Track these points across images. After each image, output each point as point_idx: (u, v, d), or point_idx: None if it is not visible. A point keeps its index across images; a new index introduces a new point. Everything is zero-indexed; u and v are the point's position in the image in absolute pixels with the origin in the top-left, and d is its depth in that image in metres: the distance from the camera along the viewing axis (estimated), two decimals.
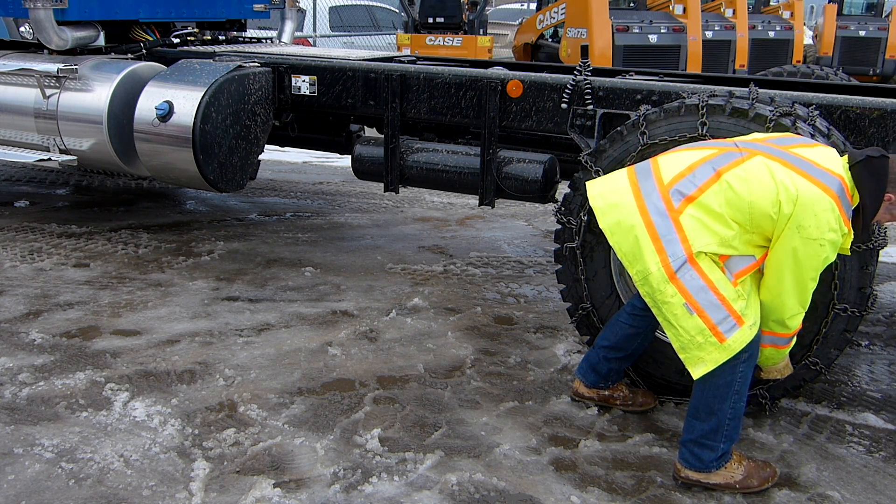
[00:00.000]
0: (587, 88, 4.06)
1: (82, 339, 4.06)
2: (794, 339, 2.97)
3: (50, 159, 5.23)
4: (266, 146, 5.26)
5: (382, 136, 4.82)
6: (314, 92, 4.93)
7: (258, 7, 6.44)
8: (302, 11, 12.65)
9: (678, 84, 4.08)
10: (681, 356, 2.83)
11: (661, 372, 3.52)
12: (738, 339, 2.75)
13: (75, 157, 5.22)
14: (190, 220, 6.17)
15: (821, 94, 3.72)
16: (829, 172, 2.73)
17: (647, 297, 2.85)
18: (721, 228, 2.75)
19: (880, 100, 3.59)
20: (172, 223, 6.09)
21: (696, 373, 2.80)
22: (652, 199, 2.82)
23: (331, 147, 5.79)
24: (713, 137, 3.27)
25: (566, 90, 4.11)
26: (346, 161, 5.85)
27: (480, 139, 4.50)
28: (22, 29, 5.44)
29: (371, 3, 15.53)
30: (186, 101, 4.69)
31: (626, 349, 3.35)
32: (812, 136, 3.19)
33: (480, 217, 6.54)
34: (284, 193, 7.17)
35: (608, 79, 4.16)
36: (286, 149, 6.41)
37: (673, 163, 2.90)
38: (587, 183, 3.08)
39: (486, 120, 4.43)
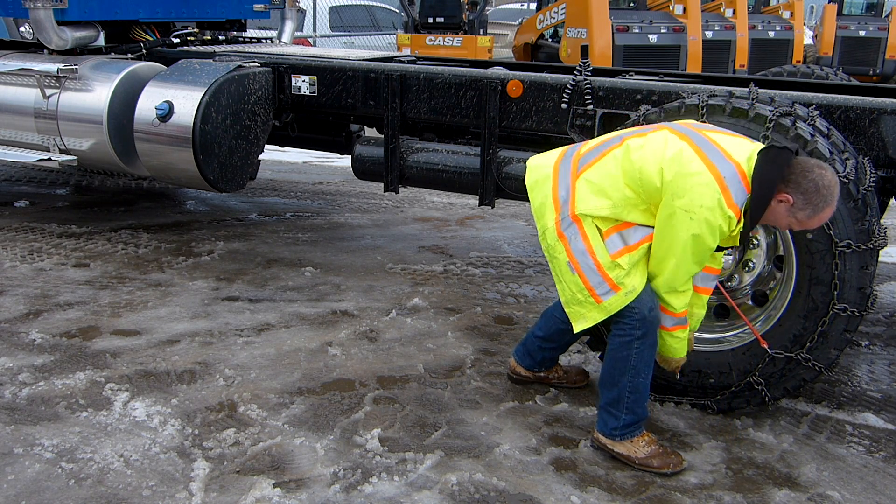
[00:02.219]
0: (587, 88, 4.06)
1: (82, 339, 4.06)
2: (681, 326, 3.03)
3: (50, 159, 5.23)
4: (266, 146, 5.26)
5: (382, 136, 4.82)
6: (314, 92, 4.93)
7: (258, 7, 6.44)
8: (302, 11, 12.65)
9: (678, 84, 4.08)
10: (566, 310, 3.06)
11: (660, 372, 3.52)
12: (614, 303, 2.93)
13: (75, 157, 5.22)
14: (190, 220, 6.17)
15: (821, 94, 3.72)
16: (726, 156, 2.76)
17: (545, 252, 3.06)
18: (614, 192, 2.89)
19: (880, 100, 3.59)
20: (172, 223, 6.09)
21: (577, 327, 3.04)
22: (565, 164, 3.04)
23: (331, 147, 5.79)
24: None
25: (566, 90, 4.11)
26: (346, 161, 5.85)
27: (480, 139, 4.50)
28: (22, 29, 5.44)
29: (371, 3, 15.53)
30: (186, 101, 4.69)
31: (559, 342, 3.53)
32: (811, 136, 3.19)
33: (480, 217, 6.54)
34: (284, 193, 7.17)
35: (608, 79, 4.16)
36: (286, 149, 6.41)
37: (599, 137, 3.14)
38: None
39: (486, 120, 4.43)
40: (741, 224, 2.79)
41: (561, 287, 3.04)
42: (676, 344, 3.08)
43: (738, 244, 2.90)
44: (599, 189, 2.90)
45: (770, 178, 2.71)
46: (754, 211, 2.76)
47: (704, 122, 3.22)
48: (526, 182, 3.14)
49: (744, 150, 2.81)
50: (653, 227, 2.88)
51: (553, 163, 3.08)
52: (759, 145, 2.87)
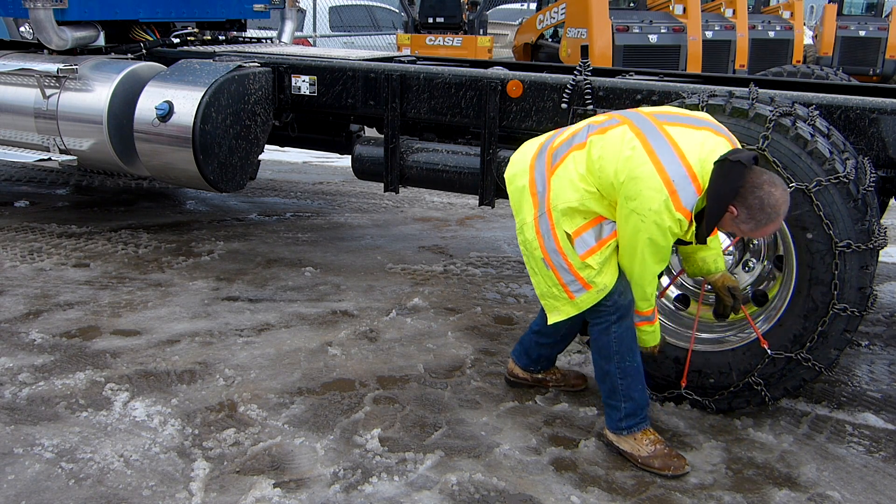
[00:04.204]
0: (587, 88, 4.06)
1: (82, 339, 4.06)
2: (647, 323, 3.11)
3: (50, 159, 5.23)
4: (266, 146, 5.26)
5: (382, 136, 4.82)
6: (314, 92, 4.93)
7: (258, 7, 6.44)
8: (302, 11, 12.64)
9: (678, 84, 4.08)
10: (541, 301, 3.15)
11: (661, 372, 3.52)
12: (586, 300, 3.02)
13: (75, 157, 5.22)
14: (190, 220, 6.17)
15: (821, 94, 3.72)
16: (680, 158, 2.78)
17: (521, 245, 3.15)
18: (582, 186, 2.95)
19: (880, 100, 3.59)
20: (172, 223, 6.09)
21: (551, 319, 3.13)
22: (541, 159, 3.10)
23: (331, 147, 5.79)
24: None
25: (566, 90, 4.11)
26: (346, 161, 5.85)
27: (480, 139, 4.49)
28: (22, 29, 5.44)
29: (371, 3, 15.53)
30: (186, 101, 4.69)
31: (554, 336, 3.50)
32: (811, 136, 3.19)
33: (480, 217, 6.54)
34: (284, 193, 7.17)
35: (608, 79, 4.16)
36: (286, 149, 6.41)
37: (571, 127, 3.17)
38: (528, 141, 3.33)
39: (486, 120, 4.43)
40: (693, 226, 2.84)
41: (536, 280, 3.12)
42: (645, 336, 3.15)
43: (695, 243, 2.97)
44: (570, 183, 2.97)
45: (723, 194, 2.75)
46: (708, 221, 2.82)
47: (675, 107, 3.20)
48: (505, 175, 3.24)
49: (700, 149, 2.80)
50: (612, 224, 2.97)
51: (530, 157, 3.15)
52: (722, 141, 2.86)
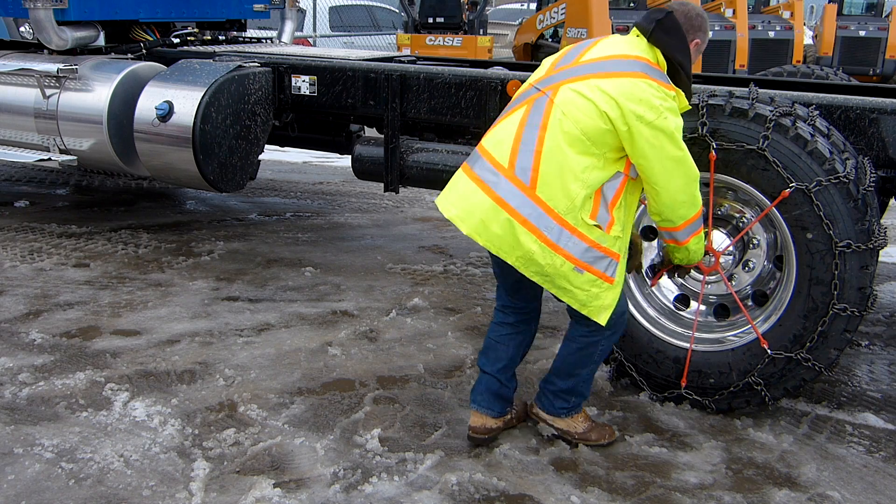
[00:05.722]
0: None
1: (82, 339, 4.06)
2: (696, 233, 3.01)
3: (50, 159, 5.23)
4: (266, 146, 5.26)
5: (382, 136, 4.82)
6: (314, 92, 4.93)
7: (258, 7, 6.44)
8: (302, 11, 12.65)
9: None
10: (584, 312, 2.92)
11: (661, 372, 3.52)
12: (620, 272, 2.92)
13: (75, 157, 5.22)
14: (190, 220, 6.17)
15: (821, 94, 3.72)
16: (623, 58, 2.88)
17: (536, 276, 2.85)
18: (578, 169, 2.78)
19: (880, 100, 3.59)
20: (172, 223, 6.09)
21: (602, 319, 2.93)
22: (502, 187, 2.81)
23: (331, 147, 5.79)
24: (713, 137, 3.28)
25: None
26: (346, 161, 5.85)
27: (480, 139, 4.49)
28: (22, 29, 5.44)
29: (371, 3, 15.54)
30: (186, 101, 4.69)
31: (517, 357, 3.25)
32: (811, 136, 3.20)
33: None
34: (284, 193, 7.17)
35: None
36: (286, 149, 6.41)
37: (498, 142, 2.90)
38: (436, 201, 3.03)
39: (486, 120, 4.42)
40: (681, 92, 2.95)
41: (570, 296, 2.87)
42: (697, 247, 3.07)
43: (689, 105, 3.01)
44: (560, 179, 2.77)
45: (682, 42, 2.97)
46: (686, 72, 2.98)
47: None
48: (465, 231, 2.87)
49: (622, 44, 2.95)
50: (617, 175, 2.84)
51: (486, 197, 2.84)
52: (635, 33, 2.99)
